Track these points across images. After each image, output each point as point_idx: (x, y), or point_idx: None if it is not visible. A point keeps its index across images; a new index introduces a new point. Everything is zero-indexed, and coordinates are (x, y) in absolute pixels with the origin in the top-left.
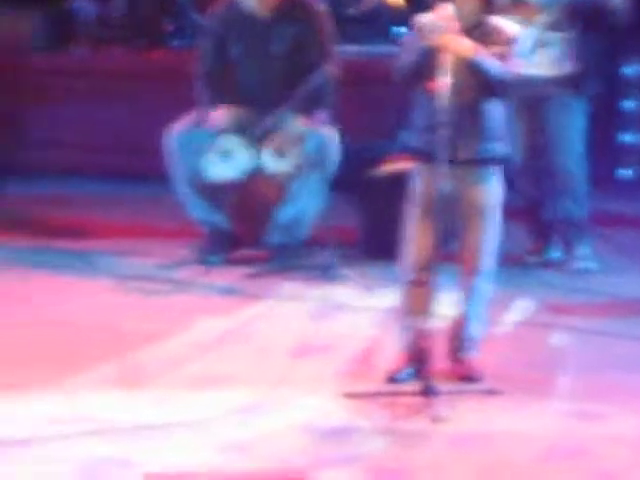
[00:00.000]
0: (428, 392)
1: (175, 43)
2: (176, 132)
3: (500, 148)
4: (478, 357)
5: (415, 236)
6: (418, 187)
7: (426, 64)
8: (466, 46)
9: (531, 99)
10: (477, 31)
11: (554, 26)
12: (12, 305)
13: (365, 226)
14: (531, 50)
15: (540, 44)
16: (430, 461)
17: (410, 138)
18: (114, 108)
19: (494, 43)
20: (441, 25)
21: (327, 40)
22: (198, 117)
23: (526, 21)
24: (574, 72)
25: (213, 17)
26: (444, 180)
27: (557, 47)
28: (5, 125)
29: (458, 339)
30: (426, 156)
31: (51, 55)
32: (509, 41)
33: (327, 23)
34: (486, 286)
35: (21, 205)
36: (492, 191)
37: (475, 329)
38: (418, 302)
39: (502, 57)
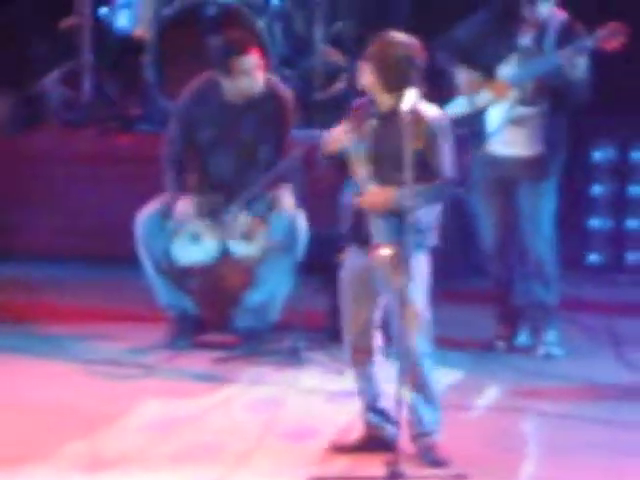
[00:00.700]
0: (395, 477)
1: (143, 127)
2: (144, 216)
3: (427, 239)
4: (441, 441)
5: (349, 316)
6: (346, 268)
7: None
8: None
9: (501, 180)
10: (394, 122)
11: (524, 102)
12: None
13: (333, 309)
14: (502, 127)
15: (511, 121)
16: None
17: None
18: (81, 192)
19: (416, 134)
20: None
21: (290, 127)
22: (166, 202)
23: (497, 98)
24: (544, 153)
25: (183, 101)
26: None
27: (528, 124)
28: None
29: (414, 424)
30: (353, 238)
31: (18, 138)
32: (431, 128)
33: (292, 110)
34: (428, 367)
35: None
36: (416, 275)
37: (427, 413)
38: (361, 381)
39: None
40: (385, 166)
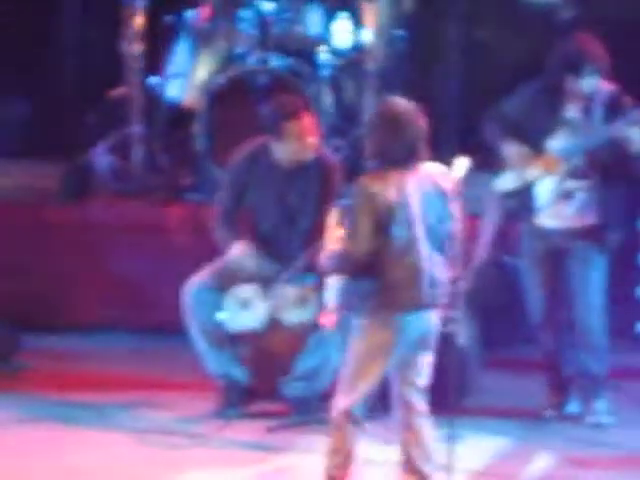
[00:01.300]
0: None
1: (193, 197)
2: (193, 286)
3: None
4: None
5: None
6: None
7: None
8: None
9: (550, 251)
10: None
11: (575, 175)
12: (29, 457)
13: (386, 379)
14: (551, 201)
15: (562, 194)
16: None
17: None
18: (131, 262)
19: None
20: None
21: (333, 197)
22: (215, 271)
23: (547, 172)
24: (596, 224)
25: (234, 164)
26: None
27: (578, 198)
28: (20, 278)
29: None
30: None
31: (69, 208)
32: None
33: (338, 180)
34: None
35: (36, 359)
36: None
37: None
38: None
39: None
40: None
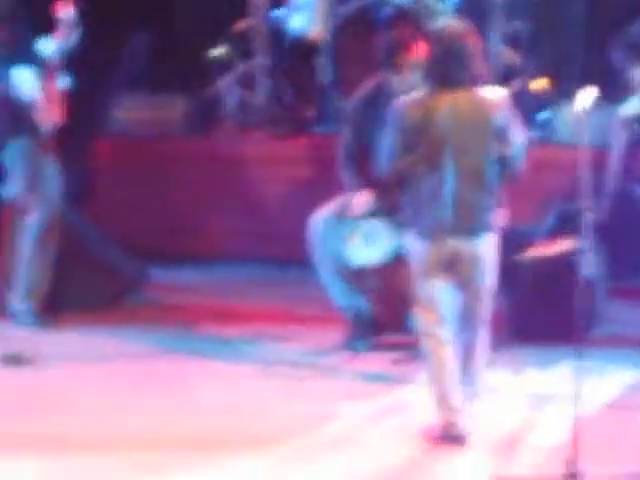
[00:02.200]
0: (575, 476)
1: (317, 129)
2: (320, 218)
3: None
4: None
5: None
6: None
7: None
8: None
9: None
10: None
11: None
12: (156, 390)
13: (512, 310)
14: None
15: None
16: None
17: None
18: (258, 194)
19: None
20: None
21: None
22: (342, 203)
23: None
24: None
25: (354, 103)
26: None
27: None
28: (151, 211)
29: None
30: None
31: (196, 140)
32: None
33: None
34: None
35: (167, 292)
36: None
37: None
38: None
39: None
40: None
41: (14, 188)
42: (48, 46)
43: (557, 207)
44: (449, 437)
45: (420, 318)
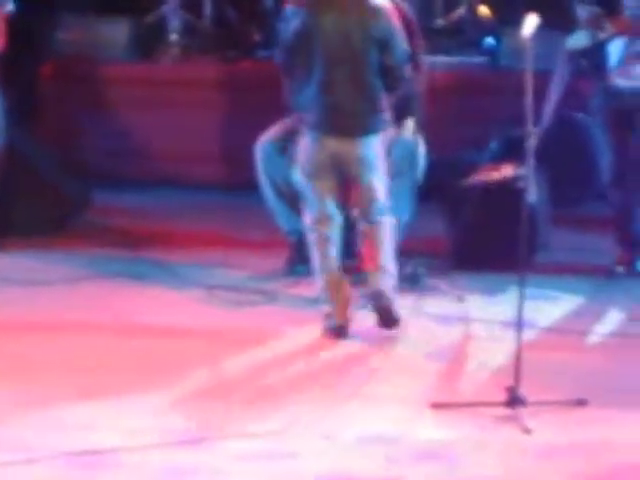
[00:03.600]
0: (516, 403)
1: (263, 54)
2: (264, 142)
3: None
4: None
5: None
6: None
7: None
8: None
9: (622, 111)
10: None
11: None
12: (99, 313)
13: (454, 236)
14: (624, 60)
15: (633, 55)
16: (522, 472)
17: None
18: (202, 118)
19: None
20: None
21: (416, 50)
22: (285, 127)
23: (619, 33)
24: None
25: (287, 24)
26: None
27: None
28: (95, 135)
29: None
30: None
31: (139, 63)
32: None
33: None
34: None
35: (109, 215)
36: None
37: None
38: None
39: None
40: None
41: None
42: None
43: (501, 132)
44: (333, 329)
45: (305, 214)
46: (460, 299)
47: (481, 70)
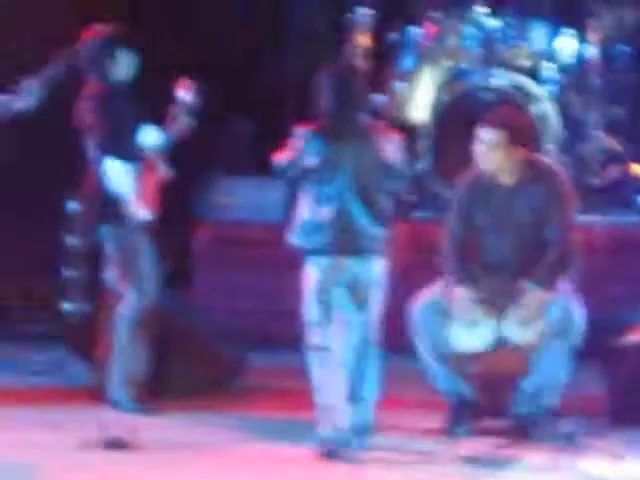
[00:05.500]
0: None
1: (418, 215)
2: (420, 303)
3: None
4: None
5: None
6: None
7: None
8: None
9: None
10: None
11: None
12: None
13: (612, 394)
14: None
15: None
16: None
17: None
18: None
19: None
20: None
21: (570, 209)
22: (442, 289)
23: None
24: None
25: (458, 190)
26: None
27: None
28: (249, 297)
29: None
30: None
31: None
32: None
33: (570, 192)
34: None
35: (268, 377)
36: None
37: None
38: None
39: None
40: None
41: (111, 275)
42: (151, 137)
43: None
44: (328, 452)
45: (311, 334)
46: (615, 459)
47: (636, 229)
